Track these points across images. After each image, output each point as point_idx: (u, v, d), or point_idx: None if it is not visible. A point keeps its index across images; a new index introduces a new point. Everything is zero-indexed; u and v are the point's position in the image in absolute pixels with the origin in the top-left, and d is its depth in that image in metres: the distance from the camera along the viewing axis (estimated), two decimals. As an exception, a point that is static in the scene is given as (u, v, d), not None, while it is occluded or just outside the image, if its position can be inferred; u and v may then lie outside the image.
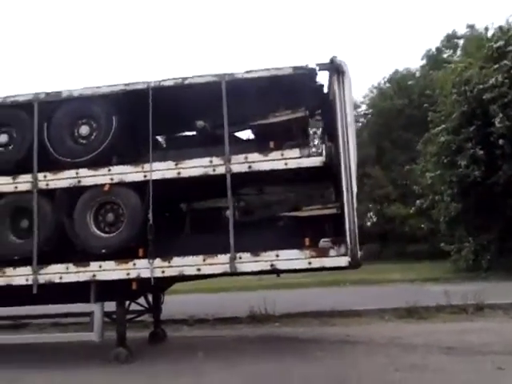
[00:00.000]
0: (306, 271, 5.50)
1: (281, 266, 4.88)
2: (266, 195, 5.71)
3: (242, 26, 73.72)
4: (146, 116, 5.25)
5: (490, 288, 9.89)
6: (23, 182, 5.44)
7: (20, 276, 5.30)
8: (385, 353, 5.24)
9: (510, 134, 12.78)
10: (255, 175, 5.17)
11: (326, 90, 5.70)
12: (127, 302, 5.87)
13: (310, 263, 4.83)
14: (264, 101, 5.40)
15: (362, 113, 38.34)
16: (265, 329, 7.44)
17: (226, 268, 4.94)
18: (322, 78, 5.58)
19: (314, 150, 5.30)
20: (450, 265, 16.07)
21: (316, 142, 10.37)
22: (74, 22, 70.43)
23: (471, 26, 28.87)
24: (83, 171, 5.33)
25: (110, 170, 5.31)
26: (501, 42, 13.86)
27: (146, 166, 5.23)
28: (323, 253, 4.84)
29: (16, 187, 5.47)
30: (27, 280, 5.26)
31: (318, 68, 5.19)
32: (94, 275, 5.15)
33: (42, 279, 5.24)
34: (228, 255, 4.92)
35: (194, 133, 5.82)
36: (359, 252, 4.81)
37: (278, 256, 4.85)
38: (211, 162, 5.11)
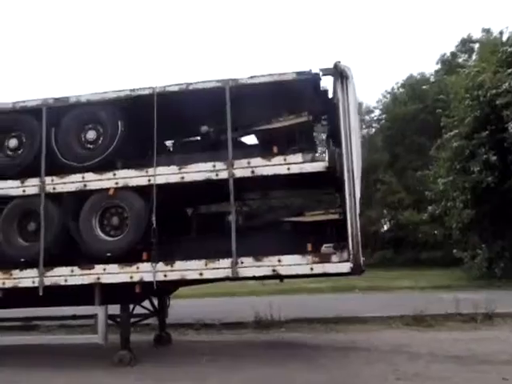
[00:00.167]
0: (308, 277, 5.48)
1: (283, 271, 4.86)
2: (269, 200, 5.71)
3: (258, 31, 74.02)
4: (152, 121, 5.31)
5: (503, 296, 9.69)
6: (31, 186, 5.55)
7: (26, 278, 5.40)
8: (388, 361, 5.17)
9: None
10: (258, 180, 5.17)
11: (330, 94, 5.69)
12: (132, 305, 5.92)
13: (311, 269, 4.80)
14: (268, 106, 5.41)
15: (376, 118, 38.15)
16: (270, 334, 7.41)
17: (228, 273, 4.95)
18: (327, 83, 5.59)
19: (317, 155, 5.26)
20: (463, 272, 15.79)
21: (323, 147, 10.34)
22: (79, 28, 71.73)
23: (487, 30, 28.44)
24: (89, 175, 5.41)
25: (115, 175, 5.37)
26: (515, 47, 13.65)
27: (150, 171, 5.28)
28: (325, 258, 4.81)
29: (24, 191, 5.57)
30: (33, 282, 5.35)
31: (321, 73, 5.18)
32: (99, 278, 5.21)
33: (47, 281, 5.32)
34: (230, 260, 4.93)
35: (199, 138, 5.85)
36: (362, 258, 4.76)
37: (280, 261, 4.84)
38: (214, 166, 5.14)
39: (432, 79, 32.63)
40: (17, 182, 5.59)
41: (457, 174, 14.44)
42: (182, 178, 5.21)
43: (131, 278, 5.13)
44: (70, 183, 5.48)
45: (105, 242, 5.35)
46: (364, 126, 39.61)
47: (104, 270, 5.21)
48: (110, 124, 5.50)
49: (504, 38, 16.84)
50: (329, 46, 60.65)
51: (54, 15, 79.63)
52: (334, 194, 5.34)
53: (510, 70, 13.21)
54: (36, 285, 5.33)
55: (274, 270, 4.85)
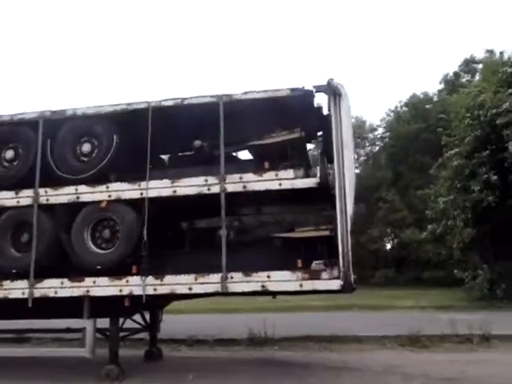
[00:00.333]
0: (298, 294, 5.42)
1: (272, 287, 4.82)
2: (260, 215, 5.69)
3: (263, 46, 75.05)
4: (147, 135, 5.35)
5: (503, 318, 9.54)
6: (25, 197, 5.57)
7: (17, 289, 5.38)
8: (381, 382, 5.09)
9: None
10: (250, 195, 5.17)
11: (326, 111, 5.72)
12: (122, 319, 5.87)
13: (301, 285, 4.75)
14: (261, 121, 5.44)
15: (379, 136, 38.26)
16: (263, 352, 7.31)
17: (218, 288, 4.91)
18: (323, 99, 5.62)
19: (310, 171, 5.26)
20: (465, 293, 15.58)
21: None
22: (76, 42, 72.97)
23: (490, 51, 28.74)
24: (82, 187, 5.43)
25: (108, 187, 5.39)
26: (515, 67, 13.72)
27: (143, 184, 5.29)
28: (315, 275, 4.77)
29: (18, 201, 5.60)
30: (23, 293, 5.33)
31: (314, 90, 5.22)
32: (88, 291, 5.19)
33: (37, 293, 5.30)
34: (220, 275, 4.89)
35: (193, 152, 5.87)
36: (353, 276, 4.71)
37: (269, 277, 4.80)
38: (206, 181, 5.15)
39: (435, 99, 32.78)
40: (11, 193, 5.62)
41: (457, 192, 14.39)
42: (174, 191, 5.22)
43: (120, 291, 5.10)
44: (63, 195, 5.50)
45: (96, 254, 5.33)
46: (368, 144, 39.79)
47: (94, 282, 5.19)
48: (105, 137, 5.54)
49: (505, 58, 16.93)
50: (334, 63, 61.25)
51: (48, 27, 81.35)
52: (325, 211, 5.31)
53: (510, 90, 13.27)
54: (26, 296, 5.31)
55: (263, 286, 4.81)
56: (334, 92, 5.08)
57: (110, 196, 5.37)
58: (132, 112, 5.55)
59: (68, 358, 5.93)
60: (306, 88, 5.23)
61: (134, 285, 5.08)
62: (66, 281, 5.27)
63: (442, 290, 19.62)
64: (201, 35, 76.88)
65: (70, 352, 5.63)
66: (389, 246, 34.85)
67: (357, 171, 38.82)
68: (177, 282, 5.01)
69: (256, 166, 5.35)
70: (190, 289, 4.98)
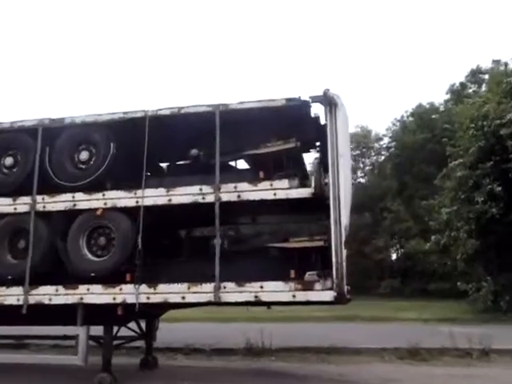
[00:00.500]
0: (291, 304, 5.39)
1: (265, 297, 4.79)
2: (255, 225, 5.68)
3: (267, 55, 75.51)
4: (143, 143, 5.38)
5: (505, 332, 9.41)
6: (22, 204, 5.60)
7: (12, 296, 5.39)
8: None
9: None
10: (245, 205, 5.16)
11: (323, 121, 5.72)
12: (117, 327, 5.86)
13: (294, 296, 4.72)
14: (257, 131, 5.45)
15: (385, 146, 38.20)
16: (260, 362, 7.25)
17: (211, 297, 4.89)
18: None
19: (305, 181, 5.25)
20: (468, 305, 15.39)
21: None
22: (72, 49, 73.73)
23: (497, 61, 28.66)
24: (79, 195, 5.46)
25: (104, 195, 5.41)
26: (519, 78, 13.66)
27: (139, 192, 5.31)
28: (308, 286, 4.73)
29: (15, 208, 5.64)
30: (18, 300, 5.34)
31: (311, 100, 5.23)
32: (82, 298, 5.19)
33: (32, 300, 5.31)
34: (213, 284, 4.88)
35: (189, 161, 5.89)
36: (346, 287, 4.67)
37: (262, 287, 4.77)
38: (201, 190, 5.15)
39: (441, 109, 32.71)
40: (9, 200, 5.65)
41: (461, 203, 14.28)
42: (170, 200, 5.23)
43: (114, 299, 5.10)
44: (60, 202, 5.52)
45: (91, 262, 5.34)
46: (373, 154, 39.73)
47: (88, 290, 5.19)
48: (102, 145, 5.58)
49: (510, 69, 16.87)
50: (341, 73, 61.44)
51: (46, 35, 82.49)
52: (321, 221, 5.28)
53: (514, 101, 13.19)
54: (21, 303, 5.32)
55: (256, 296, 4.78)
56: (329, 102, 5.08)
57: (105, 204, 5.39)
58: (129, 120, 5.59)
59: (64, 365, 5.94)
60: (302, 98, 5.24)
61: (127, 293, 5.07)
62: (60, 288, 5.27)
63: (447, 301, 19.41)
64: (199, 42, 77.57)
65: (62, 360, 5.61)
66: (394, 257, 34.64)
67: (362, 181, 38.85)
68: (170, 291, 4.99)
69: (252, 176, 5.35)
70: (183, 298, 4.96)
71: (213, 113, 5.30)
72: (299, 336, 9.08)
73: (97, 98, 61.17)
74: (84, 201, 5.45)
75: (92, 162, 5.64)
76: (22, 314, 5.30)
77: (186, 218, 5.57)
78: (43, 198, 5.57)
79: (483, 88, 26.42)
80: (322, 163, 5.73)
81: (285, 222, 5.55)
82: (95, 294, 5.16)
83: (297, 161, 5.68)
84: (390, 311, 16.50)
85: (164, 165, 6.64)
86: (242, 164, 6.10)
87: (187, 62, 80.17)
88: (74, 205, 5.47)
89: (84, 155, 5.68)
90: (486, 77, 27.81)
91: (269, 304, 5.32)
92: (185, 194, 5.19)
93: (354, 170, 38.38)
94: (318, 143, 6.13)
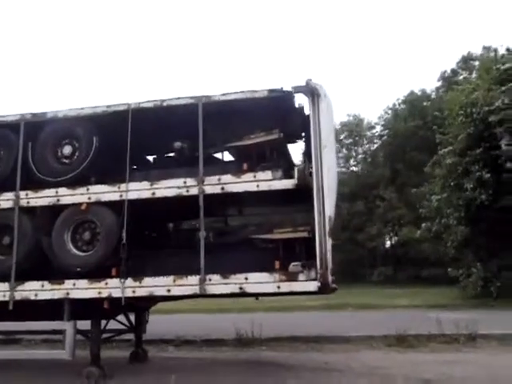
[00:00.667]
0: (275, 295, 5.42)
1: (249, 289, 4.81)
2: (240, 217, 5.68)
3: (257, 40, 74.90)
4: (127, 136, 5.35)
5: (493, 317, 9.54)
6: (6, 200, 5.56)
7: (-2, 292, 5.38)
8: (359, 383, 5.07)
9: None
10: (229, 197, 5.16)
11: (307, 112, 5.69)
12: (105, 321, 5.88)
13: (278, 287, 4.74)
14: (241, 123, 5.43)
15: (377, 134, 38.21)
16: (250, 352, 7.31)
17: (196, 290, 4.90)
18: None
19: (288, 172, 5.24)
20: (459, 291, 15.57)
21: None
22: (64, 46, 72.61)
23: (487, 48, 28.61)
24: (62, 190, 5.42)
25: (88, 190, 5.39)
26: (508, 64, 13.66)
27: (123, 186, 5.28)
28: (292, 277, 4.75)
29: (-1, 204, 5.59)
30: (4, 296, 5.33)
31: (293, 91, 5.20)
32: (68, 293, 5.19)
33: (18, 296, 5.30)
34: (198, 277, 4.89)
35: (173, 153, 5.86)
36: (330, 277, 4.70)
37: (246, 279, 4.79)
38: (185, 182, 5.14)
39: (433, 96, 32.72)
40: (-8, 196, 5.61)
41: (451, 191, 14.36)
42: (153, 193, 5.21)
43: (99, 293, 5.10)
44: (43, 197, 5.49)
45: (76, 256, 5.32)
46: (366, 142, 39.74)
47: (73, 285, 5.18)
48: (85, 139, 5.53)
49: (500, 55, 16.87)
50: (332, 62, 61.14)
51: (35, 34, 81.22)
52: (305, 212, 5.29)
53: (502, 88, 13.20)
54: (7, 299, 5.31)
55: (241, 288, 4.80)
56: (312, 92, 5.06)
57: (89, 198, 5.36)
58: (112, 114, 5.54)
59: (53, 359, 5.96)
60: (284, 89, 5.21)
61: (112, 287, 5.07)
62: (46, 283, 5.27)
63: (440, 287, 19.65)
64: (185, 35, 76.85)
65: (50, 354, 5.63)
66: (388, 244, 34.89)
67: (355, 169, 38.89)
68: (155, 284, 5.00)
69: (236, 168, 5.34)
70: (169, 291, 4.97)
71: (196, 105, 5.26)
72: (289, 325, 9.16)
73: (84, 92, 60.46)
74: (68, 196, 5.42)
75: (75, 157, 5.59)
76: (9, 310, 5.30)
77: (171, 211, 5.56)
78: (27, 194, 5.53)
79: (474, 75, 26.44)
80: (307, 154, 5.73)
81: (270, 213, 5.54)
82: (81, 289, 5.16)
83: (282, 152, 5.66)
84: (382, 298, 16.67)
85: (150, 158, 6.61)
86: (228, 156, 6.10)
87: (173, 54, 79.27)
88: (58, 200, 5.44)
89: (67, 150, 5.63)
90: (477, 63, 27.86)
91: (254, 295, 5.33)
92: (169, 187, 5.18)
93: (347, 159, 38.47)
94: (303, 134, 6.12)
